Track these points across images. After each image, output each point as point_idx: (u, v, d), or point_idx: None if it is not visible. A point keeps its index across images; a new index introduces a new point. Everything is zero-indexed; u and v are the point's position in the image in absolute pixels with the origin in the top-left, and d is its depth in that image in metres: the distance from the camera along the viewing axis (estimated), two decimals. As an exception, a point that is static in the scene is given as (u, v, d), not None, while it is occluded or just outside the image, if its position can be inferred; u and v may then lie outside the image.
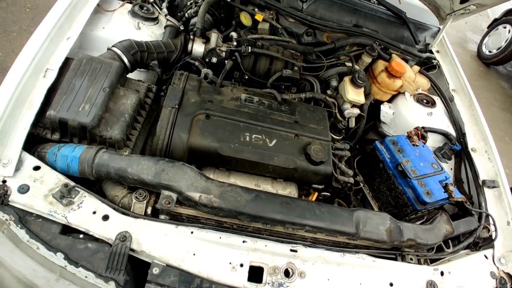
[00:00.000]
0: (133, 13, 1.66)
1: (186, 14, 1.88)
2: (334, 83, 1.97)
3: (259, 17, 1.87)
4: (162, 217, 1.22)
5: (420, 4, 2.34)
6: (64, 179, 1.17)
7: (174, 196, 1.20)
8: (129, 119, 1.34)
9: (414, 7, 2.44)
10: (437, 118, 2.03)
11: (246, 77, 1.73)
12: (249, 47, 1.68)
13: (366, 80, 1.92)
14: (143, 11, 1.67)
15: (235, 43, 1.75)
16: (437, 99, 2.15)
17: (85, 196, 1.14)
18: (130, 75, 1.56)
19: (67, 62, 1.38)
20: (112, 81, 1.32)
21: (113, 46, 1.42)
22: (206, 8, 1.73)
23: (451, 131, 2.01)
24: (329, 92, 1.99)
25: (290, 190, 1.61)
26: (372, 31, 2.20)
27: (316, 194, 1.62)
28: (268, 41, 1.90)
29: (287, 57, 1.79)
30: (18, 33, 3.50)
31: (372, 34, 2.08)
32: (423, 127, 1.95)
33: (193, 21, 1.88)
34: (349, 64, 2.00)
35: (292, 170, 1.51)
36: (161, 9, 1.88)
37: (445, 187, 1.66)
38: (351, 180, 1.63)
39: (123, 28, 1.63)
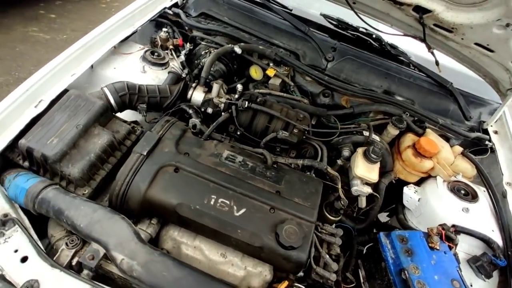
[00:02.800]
0: (143, 58, 1.74)
1: (201, 63, 1.90)
2: (346, 152, 1.71)
3: (270, 72, 1.78)
4: (85, 272, 1.11)
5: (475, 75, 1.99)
6: (8, 209, 1.16)
7: (102, 252, 1.09)
8: (95, 158, 1.31)
9: (470, 78, 2.10)
10: (478, 217, 1.58)
11: (239, 133, 1.61)
12: (246, 102, 1.58)
13: (382, 155, 1.63)
14: (153, 56, 1.73)
15: (236, 96, 1.67)
16: (482, 192, 1.70)
17: (16, 231, 1.10)
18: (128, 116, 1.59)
19: (60, 95, 1.45)
20: (89, 119, 1.33)
21: (105, 86, 1.47)
22: (215, 59, 1.72)
23: (497, 238, 1.53)
24: (339, 162, 1.73)
25: (261, 270, 1.36)
26: (406, 99, 1.92)
27: (286, 283, 1.33)
28: (276, 97, 1.78)
29: (290, 117, 1.63)
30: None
31: (402, 103, 1.80)
32: (454, 226, 1.53)
33: (205, 69, 1.89)
34: (367, 133, 1.73)
35: (257, 249, 1.28)
36: (178, 56, 1.93)
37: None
38: (333, 277, 1.31)
39: (130, 70, 1.70)
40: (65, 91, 1.47)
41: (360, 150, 1.67)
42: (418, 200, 1.70)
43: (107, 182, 1.39)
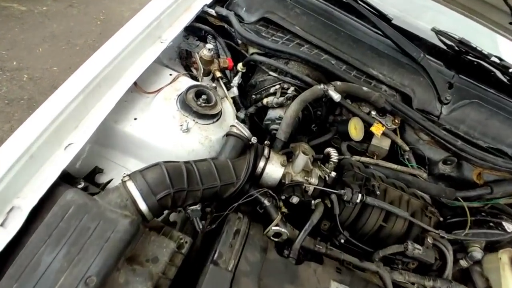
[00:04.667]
0: (183, 105, 1.04)
1: (265, 101, 1.25)
2: (477, 254, 1.18)
3: (377, 129, 1.16)
4: None
5: None
6: None
7: None
8: (122, 336, 0.70)
9: None
10: None
11: (342, 241, 1.02)
12: (359, 196, 0.98)
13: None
14: (199, 101, 1.04)
15: (333, 174, 1.06)
16: None
17: None
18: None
19: (52, 193, 0.80)
20: (108, 262, 0.71)
21: (130, 177, 0.81)
22: (299, 110, 1.07)
23: None
24: (463, 263, 1.20)
25: None
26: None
27: None
28: (383, 169, 1.18)
29: (415, 212, 1.05)
30: (81, 47, 3.19)
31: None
32: None
33: (272, 114, 1.24)
34: (510, 227, 1.19)
35: None
36: (230, 87, 1.26)
37: None
38: None
39: (163, 126, 1.02)
40: (55, 187, 0.81)
41: (505, 258, 1.14)
42: None
43: None
